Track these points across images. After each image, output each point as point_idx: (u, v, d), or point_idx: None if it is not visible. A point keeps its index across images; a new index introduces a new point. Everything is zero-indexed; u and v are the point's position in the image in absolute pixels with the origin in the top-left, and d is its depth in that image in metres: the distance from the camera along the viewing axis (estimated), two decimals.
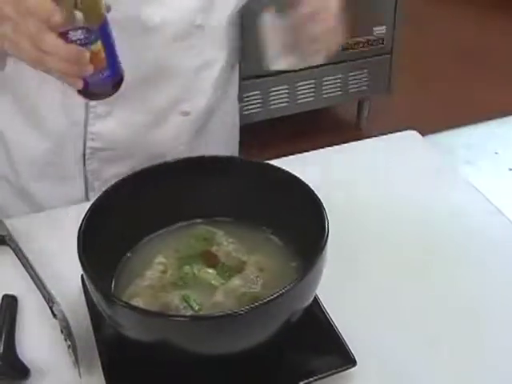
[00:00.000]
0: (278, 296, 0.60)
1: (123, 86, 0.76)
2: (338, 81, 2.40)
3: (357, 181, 0.97)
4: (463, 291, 0.80)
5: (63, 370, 0.70)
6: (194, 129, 1.03)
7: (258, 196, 0.76)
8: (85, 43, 0.70)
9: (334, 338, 0.70)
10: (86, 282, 0.64)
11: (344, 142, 1.06)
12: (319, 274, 0.66)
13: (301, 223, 0.72)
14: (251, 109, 2.40)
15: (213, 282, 0.70)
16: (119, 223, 0.72)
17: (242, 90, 2.30)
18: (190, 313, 0.67)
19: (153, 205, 0.76)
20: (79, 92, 0.74)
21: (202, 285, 0.70)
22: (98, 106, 0.92)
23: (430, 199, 0.93)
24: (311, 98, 2.43)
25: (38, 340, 0.74)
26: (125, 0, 0.82)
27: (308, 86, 2.39)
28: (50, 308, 0.74)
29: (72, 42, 0.69)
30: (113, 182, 0.74)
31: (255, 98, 2.38)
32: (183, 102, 0.99)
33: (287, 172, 0.74)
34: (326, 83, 2.39)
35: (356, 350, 0.69)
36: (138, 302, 0.68)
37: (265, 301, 0.60)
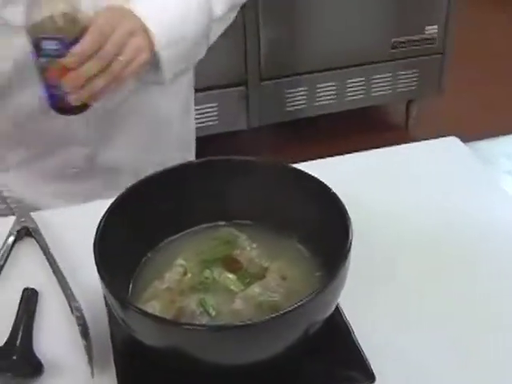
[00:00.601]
0: (296, 307, 0.58)
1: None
2: (388, 79, 2.36)
3: (391, 186, 0.94)
4: (498, 304, 0.76)
5: (78, 368, 0.69)
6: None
7: (284, 201, 0.73)
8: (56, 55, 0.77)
9: (354, 351, 0.68)
10: (101, 285, 0.62)
11: (390, 143, 1.03)
12: (340, 285, 0.64)
13: (326, 232, 0.69)
14: (296, 105, 2.37)
15: (232, 287, 0.69)
16: (140, 223, 0.71)
17: (287, 86, 2.30)
18: (205, 319, 0.65)
19: (175, 205, 0.74)
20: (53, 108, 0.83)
21: (221, 290, 0.69)
22: None
23: (467, 208, 0.89)
24: (360, 96, 2.39)
25: (54, 336, 0.73)
26: None
27: (357, 84, 2.35)
28: (69, 304, 0.74)
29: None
30: (133, 182, 0.73)
31: (301, 94, 2.35)
32: None
33: (315, 178, 0.71)
34: (375, 81, 2.35)
35: (376, 364, 0.66)
36: (154, 306, 0.67)
37: (282, 312, 0.57)
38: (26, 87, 0.94)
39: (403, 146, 1.04)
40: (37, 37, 0.77)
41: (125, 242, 0.69)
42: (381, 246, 0.83)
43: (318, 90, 2.35)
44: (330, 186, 0.70)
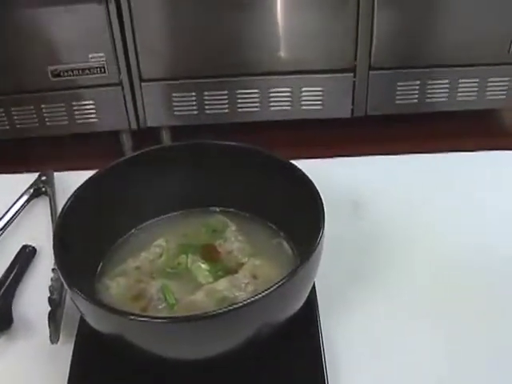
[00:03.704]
0: (234, 309, 0.54)
1: None
2: (504, 83, 2.20)
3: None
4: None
5: (44, 333, 0.69)
6: None
7: (275, 194, 0.70)
8: None
9: (317, 366, 0.63)
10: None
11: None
12: (298, 289, 0.60)
13: (308, 234, 0.65)
14: (406, 99, 2.28)
15: (200, 278, 0.66)
16: (125, 199, 0.70)
17: (397, 78, 2.21)
18: (162, 305, 0.64)
19: (172, 183, 0.73)
20: None
21: (189, 279, 0.66)
22: None
23: None
24: (473, 98, 2.25)
25: (37, 296, 0.74)
26: None
27: (470, 85, 2.22)
28: (53, 269, 0.74)
29: None
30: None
31: (412, 88, 2.25)
32: None
33: (309, 181, 0.67)
34: (490, 84, 2.20)
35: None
36: (119, 282, 0.66)
37: (218, 311, 0.54)
38: None
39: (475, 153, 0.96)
40: None
41: (104, 217, 0.69)
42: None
43: (429, 86, 2.24)
44: (313, 183, 0.66)
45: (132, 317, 0.55)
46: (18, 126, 2.20)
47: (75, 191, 0.66)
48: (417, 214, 0.84)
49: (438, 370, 0.65)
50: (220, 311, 0.53)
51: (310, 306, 0.67)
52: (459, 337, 0.68)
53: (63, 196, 0.86)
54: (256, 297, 0.54)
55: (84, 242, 0.66)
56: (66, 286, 0.58)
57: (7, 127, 2.20)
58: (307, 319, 0.66)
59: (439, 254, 0.78)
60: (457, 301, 0.72)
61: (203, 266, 0.67)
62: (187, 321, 0.55)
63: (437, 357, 0.66)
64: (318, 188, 0.65)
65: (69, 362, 0.64)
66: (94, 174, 0.68)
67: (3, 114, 2.17)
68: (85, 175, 0.81)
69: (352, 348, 0.67)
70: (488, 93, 2.23)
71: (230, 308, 0.54)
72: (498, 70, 2.17)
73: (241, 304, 0.54)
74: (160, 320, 0.55)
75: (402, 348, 0.67)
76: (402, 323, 0.70)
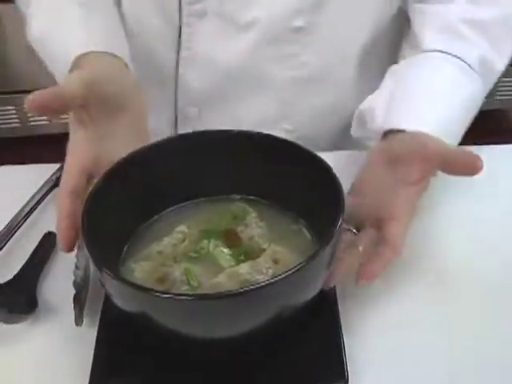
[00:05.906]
0: (258, 288, 0.56)
1: None
2: None
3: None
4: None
5: (69, 317, 0.70)
6: None
7: (295, 181, 0.72)
8: None
9: (335, 349, 0.65)
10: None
11: None
12: (318, 272, 0.61)
13: (327, 219, 0.66)
14: None
15: (222, 262, 0.68)
16: (148, 186, 0.71)
17: None
18: (185, 287, 0.65)
19: (192, 172, 0.74)
20: None
21: (212, 263, 0.68)
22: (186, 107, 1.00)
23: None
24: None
25: (61, 281, 0.76)
26: None
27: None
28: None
29: None
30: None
31: None
32: (283, 119, 0.98)
33: (329, 168, 0.68)
34: (500, 85, 2.21)
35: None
36: (143, 266, 0.68)
37: (240, 290, 0.56)
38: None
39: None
40: None
41: (128, 203, 0.70)
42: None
43: None
44: (332, 170, 0.67)
45: (159, 294, 0.56)
46: None
47: (100, 178, 0.67)
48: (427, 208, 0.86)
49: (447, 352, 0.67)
50: (247, 289, 0.55)
51: (329, 291, 0.69)
52: (470, 327, 0.70)
53: None
54: (279, 277, 0.56)
55: (109, 227, 0.67)
56: (95, 267, 0.59)
57: None
58: (326, 304, 0.68)
59: (446, 245, 0.80)
60: (462, 293, 0.74)
61: (225, 250, 0.69)
62: (212, 298, 0.56)
63: (446, 341, 0.69)
64: None
65: (93, 344, 0.66)
66: (117, 163, 0.70)
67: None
68: None
69: (368, 327, 0.70)
70: (497, 93, 2.24)
71: (257, 286, 0.55)
72: (508, 70, 2.18)
73: (264, 284, 0.55)
74: (188, 297, 0.56)
75: (413, 331, 0.69)
76: (411, 308, 0.72)
